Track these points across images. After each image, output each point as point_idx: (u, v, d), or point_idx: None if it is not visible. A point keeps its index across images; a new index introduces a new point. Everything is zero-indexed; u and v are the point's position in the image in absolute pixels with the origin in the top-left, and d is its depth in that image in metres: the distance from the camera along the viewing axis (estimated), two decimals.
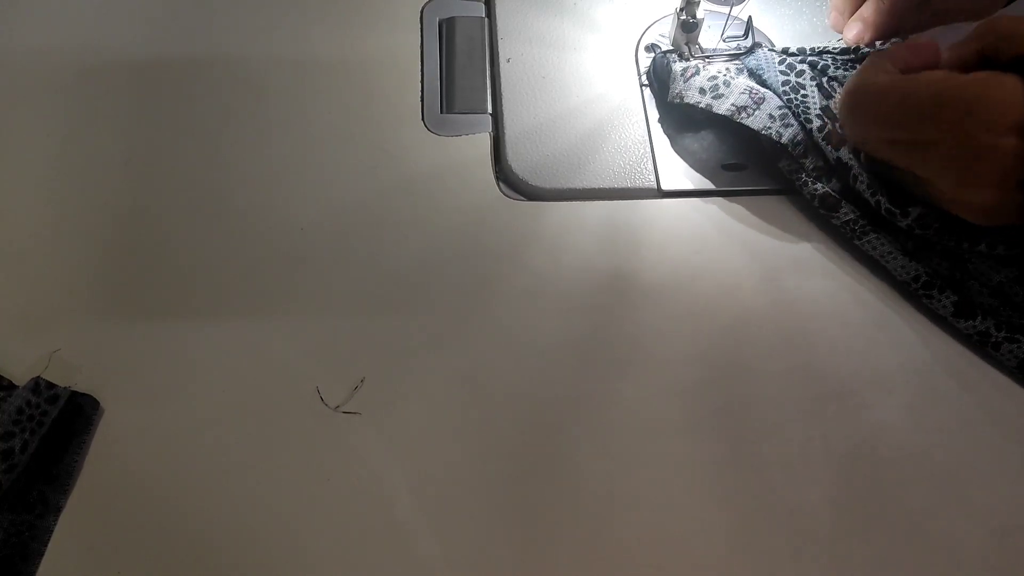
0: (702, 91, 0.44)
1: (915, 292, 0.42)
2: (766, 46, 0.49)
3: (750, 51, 0.47)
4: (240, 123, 0.46)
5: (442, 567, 0.35)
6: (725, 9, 0.47)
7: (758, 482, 0.38)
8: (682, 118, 0.47)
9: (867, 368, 0.41)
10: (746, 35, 0.48)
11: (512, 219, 0.44)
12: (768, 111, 0.43)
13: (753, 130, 0.44)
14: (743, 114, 0.43)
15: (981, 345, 0.41)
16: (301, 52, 0.49)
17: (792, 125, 0.43)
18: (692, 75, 0.45)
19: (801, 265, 0.44)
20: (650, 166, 0.46)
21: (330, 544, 0.36)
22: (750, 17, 0.47)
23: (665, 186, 0.45)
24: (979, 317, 0.41)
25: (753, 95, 0.44)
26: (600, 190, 0.45)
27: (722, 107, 0.44)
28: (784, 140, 0.43)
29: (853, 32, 0.46)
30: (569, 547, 0.36)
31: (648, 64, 0.49)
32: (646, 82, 0.49)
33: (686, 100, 0.44)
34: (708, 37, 0.48)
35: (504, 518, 0.36)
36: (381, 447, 0.38)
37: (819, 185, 0.43)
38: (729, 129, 0.46)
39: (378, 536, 0.36)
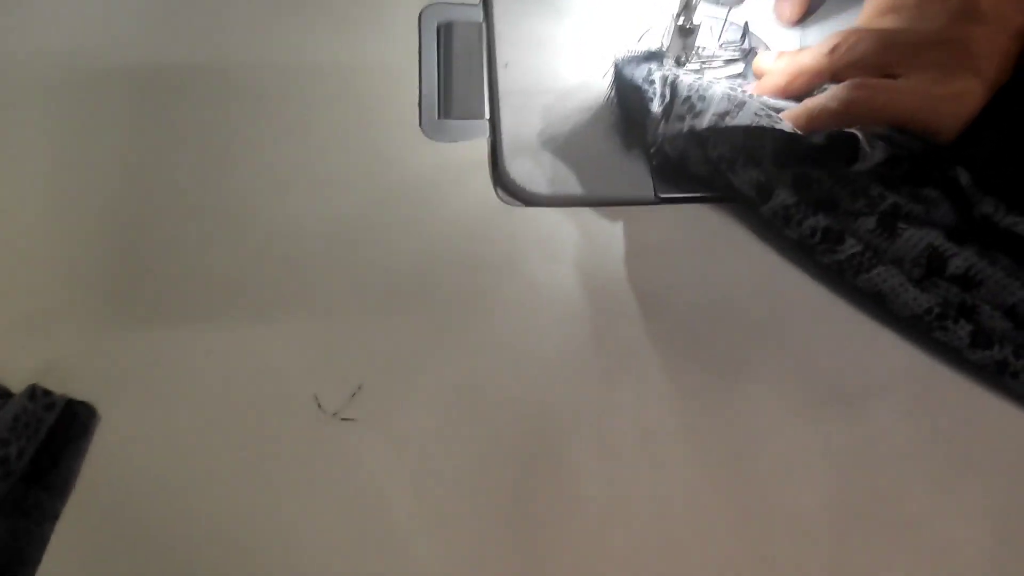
0: (680, 118, 0.43)
1: (928, 325, 0.40)
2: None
3: (746, 56, 0.47)
4: (238, 128, 0.46)
5: (440, 572, 0.35)
6: (722, 13, 0.47)
7: (757, 485, 0.38)
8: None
9: (866, 371, 0.41)
10: (743, 40, 0.48)
11: (510, 225, 0.44)
12: (753, 109, 0.42)
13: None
14: (727, 119, 0.41)
15: (998, 375, 0.40)
16: (299, 57, 0.49)
17: (779, 123, 0.41)
18: (669, 108, 0.43)
19: (798, 269, 0.44)
20: (647, 172, 0.46)
21: (328, 550, 0.36)
22: (746, 22, 0.48)
23: (662, 192, 0.45)
24: (996, 346, 0.40)
25: (732, 99, 0.42)
26: (598, 196, 0.45)
27: (703, 122, 0.42)
28: (783, 127, 0.41)
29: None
30: (568, 552, 0.36)
31: (611, 75, 0.47)
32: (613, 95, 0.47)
33: (668, 135, 0.43)
34: (705, 41, 0.48)
35: (502, 524, 0.36)
36: (379, 453, 0.38)
37: (819, 217, 0.41)
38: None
39: (376, 542, 0.36)
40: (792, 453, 0.39)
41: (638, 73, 0.45)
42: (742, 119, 0.41)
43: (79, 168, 0.44)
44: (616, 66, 0.46)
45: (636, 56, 0.46)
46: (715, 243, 0.44)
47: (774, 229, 0.43)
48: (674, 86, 0.44)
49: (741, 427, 0.39)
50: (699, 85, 0.43)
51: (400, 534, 0.36)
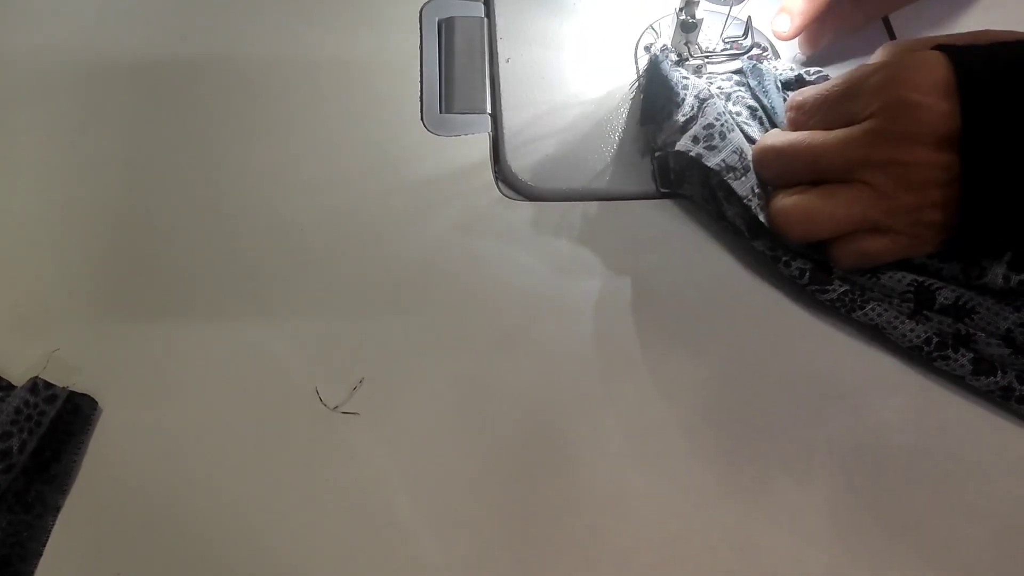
0: (695, 139, 0.42)
1: (928, 356, 0.40)
2: (768, 56, 0.49)
3: (749, 51, 0.47)
4: (239, 124, 0.46)
5: (442, 568, 0.35)
6: (724, 9, 0.47)
7: (759, 482, 0.38)
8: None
9: (869, 368, 0.41)
10: (745, 35, 0.47)
11: (511, 219, 0.44)
12: (751, 183, 0.41)
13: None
14: (731, 174, 0.41)
15: (1004, 400, 0.39)
16: (300, 52, 0.49)
17: (761, 215, 0.41)
18: (690, 123, 0.43)
19: None
20: (649, 166, 0.46)
21: (329, 544, 0.35)
22: (749, 17, 0.47)
23: (664, 187, 0.45)
24: (999, 372, 0.39)
25: (743, 159, 0.41)
26: (599, 190, 0.45)
27: (712, 160, 0.41)
28: (763, 219, 0.40)
29: (780, 25, 0.47)
30: (569, 548, 0.36)
31: (643, 69, 0.47)
32: (639, 88, 0.47)
33: (677, 148, 0.42)
34: (708, 36, 0.48)
35: (503, 519, 0.36)
36: (380, 447, 0.38)
37: (802, 260, 0.41)
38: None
39: (377, 536, 0.36)
40: (795, 449, 0.39)
41: (674, 72, 0.45)
42: (739, 188, 0.41)
43: (83, 159, 0.45)
44: (654, 57, 0.46)
45: (672, 56, 0.46)
46: (718, 238, 0.44)
47: (764, 265, 0.43)
48: (704, 105, 0.43)
49: (743, 423, 0.39)
50: (725, 120, 0.42)
51: (400, 527, 0.36)
